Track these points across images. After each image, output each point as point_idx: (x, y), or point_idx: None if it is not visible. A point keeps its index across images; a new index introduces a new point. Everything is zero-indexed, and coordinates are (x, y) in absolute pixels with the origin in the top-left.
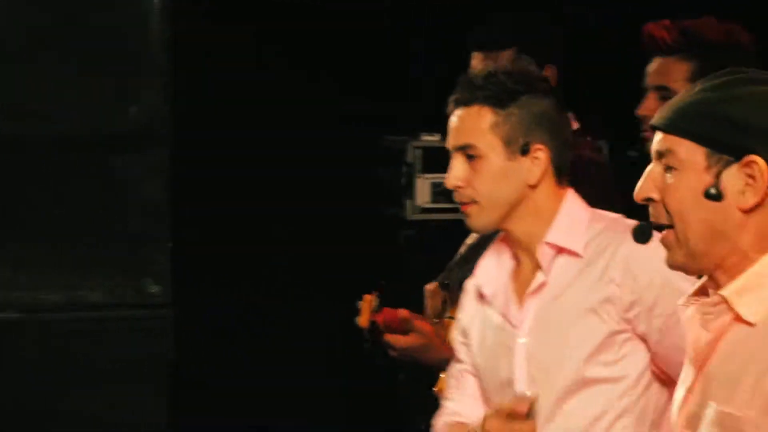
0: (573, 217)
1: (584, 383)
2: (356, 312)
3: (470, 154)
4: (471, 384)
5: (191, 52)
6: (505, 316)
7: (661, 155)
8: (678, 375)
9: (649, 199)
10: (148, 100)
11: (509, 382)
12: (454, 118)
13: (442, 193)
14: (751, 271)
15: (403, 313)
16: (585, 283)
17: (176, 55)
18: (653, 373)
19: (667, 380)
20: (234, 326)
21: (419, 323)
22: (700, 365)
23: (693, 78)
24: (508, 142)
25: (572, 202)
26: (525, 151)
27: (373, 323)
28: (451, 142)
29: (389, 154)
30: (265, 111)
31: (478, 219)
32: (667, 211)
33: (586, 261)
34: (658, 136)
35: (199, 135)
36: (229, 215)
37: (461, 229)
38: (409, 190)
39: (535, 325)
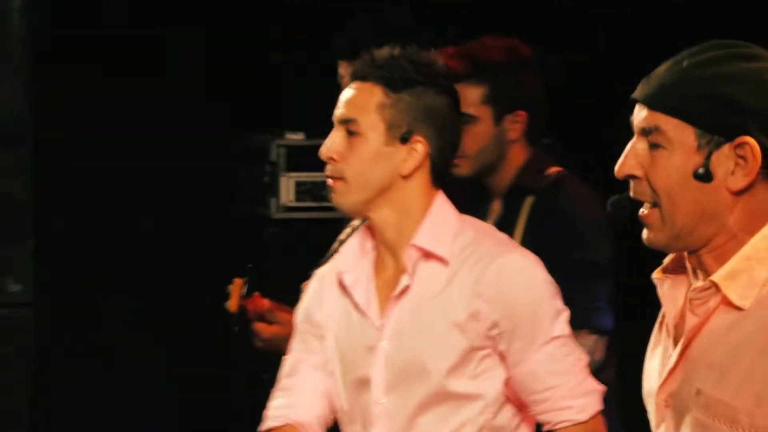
0: (442, 221)
1: (442, 397)
2: (226, 298)
3: (351, 130)
4: (313, 378)
5: (52, 49)
6: (365, 314)
7: (646, 132)
8: (532, 401)
9: (632, 176)
10: (9, 97)
11: (365, 383)
12: (347, 91)
13: (306, 191)
14: (740, 255)
15: (266, 303)
16: (453, 294)
17: (36, 52)
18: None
19: (518, 401)
20: (97, 324)
21: (281, 314)
22: (684, 347)
23: (486, 100)
24: (390, 126)
25: (442, 205)
26: (405, 139)
27: (242, 308)
28: (336, 113)
29: (253, 152)
30: (130, 108)
31: (344, 197)
32: (653, 190)
33: (454, 270)
34: (643, 112)
35: (61, 132)
36: (93, 213)
37: (325, 228)
38: (273, 188)
39: (397, 330)
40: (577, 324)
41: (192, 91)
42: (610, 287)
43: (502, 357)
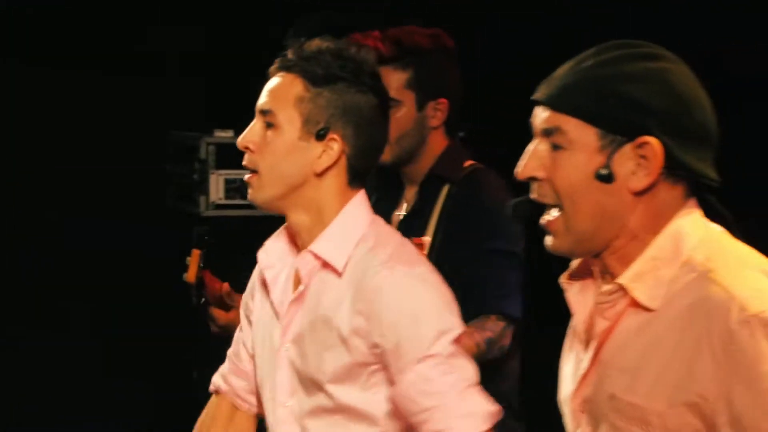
0: (347, 227)
1: (335, 408)
2: (184, 269)
3: (268, 121)
4: (244, 359)
5: None
6: (276, 313)
7: (548, 133)
8: (414, 423)
9: (534, 178)
10: None
11: (274, 383)
12: (272, 80)
13: (236, 189)
14: (645, 255)
15: (225, 286)
16: (342, 307)
17: None
18: None
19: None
20: (18, 326)
21: (240, 297)
22: (595, 351)
23: (409, 84)
24: (306, 121)
25: (355, 208)
26: (320, 136)
27: (200, 279)
28: (258, 102)
29: (182, 149)
30: (59, 104)
31: (258, 192)
32: (555, 192)
33: (348, 281)
34: (544, 113)
35: None
36: (22, 211)
37: (256, 225)
38: (202, 186)
39: (297, 334)
40: (487, 309)
41: (191, 91)
42: (522, 276)
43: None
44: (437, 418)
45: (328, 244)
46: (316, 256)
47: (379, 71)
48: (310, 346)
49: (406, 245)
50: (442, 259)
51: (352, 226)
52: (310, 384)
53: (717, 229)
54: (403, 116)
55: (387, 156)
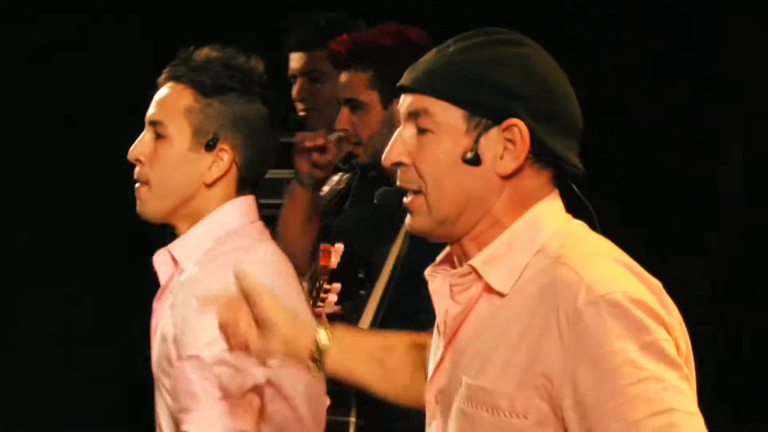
0: (212, 227)
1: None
2: None
3: (158, 132)
4: None
5: None
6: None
7: (414, 116)
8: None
9: (399, 164)
10: None
11: None
12: (161, 90)
13: None
14: (501, 240)
15: None
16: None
17: None
18: None
19: None
20: (18, 326)
21: None
22: (449, 338)
23: (373, 85)
24: (196, 132)
25: (226, 210)
26: (210, 146)
27: None
28: (147, 113)
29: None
30: (11, 102)
31: (146, 204)
32: (420, 176)
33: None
34: (409, 98)
35: None
36: (20, 210)
37: None
38: None
39: (153, 329)
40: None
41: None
42: None
43: None
44: (188, 420)
45: (182, 243)
46: (171, 255)
47: (343, 75)
48: (155, 340)
49: (255, 248)
50: (408, 264)
51: (218, 226)
52: (156, 376)
53: (576, 222)
54: (371, 117)
55: (363, 157)
